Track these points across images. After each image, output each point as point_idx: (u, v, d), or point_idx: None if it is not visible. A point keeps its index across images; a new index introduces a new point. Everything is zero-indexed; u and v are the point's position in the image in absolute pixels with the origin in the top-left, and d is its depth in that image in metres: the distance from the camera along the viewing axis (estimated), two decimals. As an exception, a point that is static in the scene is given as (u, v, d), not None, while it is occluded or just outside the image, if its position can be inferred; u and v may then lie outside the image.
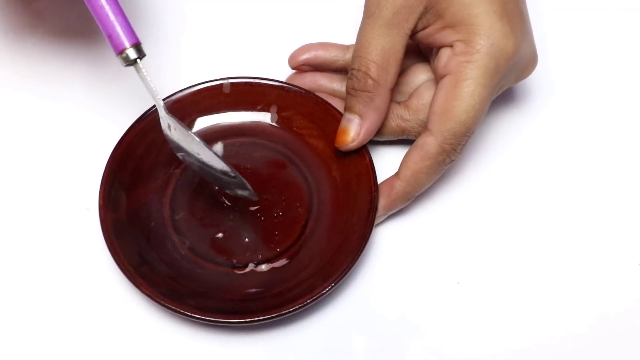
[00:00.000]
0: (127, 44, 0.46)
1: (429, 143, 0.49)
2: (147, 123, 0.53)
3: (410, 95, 0.53)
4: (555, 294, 0.50)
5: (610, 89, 0.58)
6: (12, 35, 0.60)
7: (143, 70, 0.47)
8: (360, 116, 0.50)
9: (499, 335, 0.49)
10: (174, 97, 0.54)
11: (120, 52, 0.46)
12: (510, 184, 0.54)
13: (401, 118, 0.52)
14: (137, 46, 0.46)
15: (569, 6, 0.61)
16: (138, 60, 0.46)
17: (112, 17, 0.46)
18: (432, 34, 0.50)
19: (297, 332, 0.49)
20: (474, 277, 0.51)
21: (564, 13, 0.60)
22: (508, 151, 0.55)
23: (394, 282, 0.50)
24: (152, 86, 0.47)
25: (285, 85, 0.55)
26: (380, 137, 0.53)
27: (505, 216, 0.53)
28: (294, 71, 0.56)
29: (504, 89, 0.52)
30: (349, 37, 0.55)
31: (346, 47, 0.55)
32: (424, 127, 0.51)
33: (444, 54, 0.50)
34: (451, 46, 0.49)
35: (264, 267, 0.50)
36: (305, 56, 0.56)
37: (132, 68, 0.47)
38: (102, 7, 0.46)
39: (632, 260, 0.51)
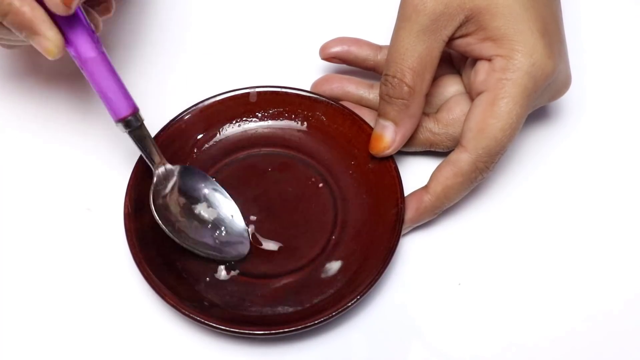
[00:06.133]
0: (123, 113, 0.47)
1: (463, 159, 0.49)
2: (172, 131, 0.52)
3: (440, 109, 0.53)
4: (556, 294, 0.50)
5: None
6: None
7: (146, 133, 0.48)
8: (395, 123, 0.50)
9: (499, 335, 0.49)
10: (199, 106, 0.53)
11: (119, 120, 0.47)
12: (519, 193, 0.54)
13: (430, 131, 0.52)
14: (135, 114, 0.48)
15: (604, 27, 0.61)
16: (130, 130, 0.48)
17: (107, 85, 0.47)
18: (471, 43, 0.49)
19: (320, 342, 0.48)
20: (475, 278, 0.51)
21: (598, 34, 0.61)
22: (525, 164, 0.55)
23: (395, 282, 0.50)
24: (153, 148, 0.49)
25: (312, 95, 0.54)
26: (407, 148, 0.53)
27: (506, 219, 0.53)
28: (320, 76, 0.56)
29: (536, 108, 0.52)
30: (377, 40, 0.55)
31: (379, 48, 0.55)
32: (455, 142, 0.51)
33: (482, 68, 0.49)
34: (490, 60, 0.49)
35: (289, 278, 0.49)
36: (337, 49, 0.55)
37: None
38: (97, 82, 0.47)
39: (632, 260, 0.52)
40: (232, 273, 0.49)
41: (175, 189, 0.50)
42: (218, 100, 0.54)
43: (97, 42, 0.47)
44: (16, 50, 0.57)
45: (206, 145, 0.54)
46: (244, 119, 0.55)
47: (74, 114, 0.56)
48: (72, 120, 0.56)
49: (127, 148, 0.52)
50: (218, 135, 0.54)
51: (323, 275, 0.49)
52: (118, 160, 0.53)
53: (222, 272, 0.49)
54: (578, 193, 0.54)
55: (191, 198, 0.51)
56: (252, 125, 0.55)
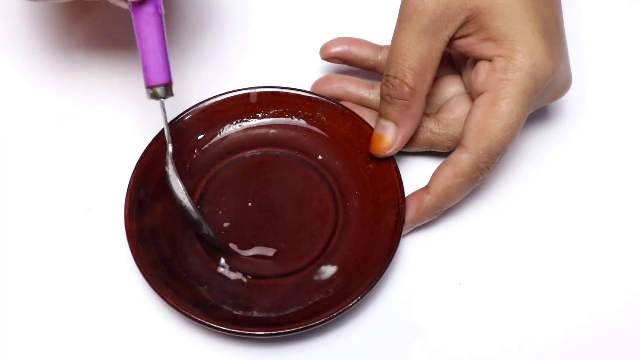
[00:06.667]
0: (159, 81, 0.47)
1: (464, 160, 0.49)
2: (173, 132, 0.52)
3: (440, 109, 0.53)
4: (556, 294, 0.50)
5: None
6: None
7: (163, 110, 0.48)
8: (396, 123, 0.50)
9: (499, 335, 0.49)
10: (200, 106, 0.53)
11: (150, 86, 0.47)
12: (519, 194, 0.54)
13: (431, 132, 0.52)
14: (167, 86, 0.47)
15: (605, 28, 0.61)
16: (162, 100, 0.47)
17: (153, 51, 0.46)
18: (471, 43, 0.49)
19: (319, 342, 0.48)
20: (476, 278, 0.51)
21: (599, 34, 0.61)
22: (526, 164, 0.55)
23: (395, 282, 0.50)
24: (167, 128, 0.49)
25: (312, 95, 0.54)
26: (408, 149, 0.53)
27: (507, 220, 0.53)
28: (321, 76, 0.56)
29: (537, 108, 0.52)
30: (377, 40, 0.55)
31: (379, 48, 0.55)
32: (456, 142, 0.51)
33: (482, 68, 0.49)
34: (490, 60, 0.49)
35: (289, 279, 0.49)
36: (337, 49, 0.55)
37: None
38: (146, 38, 0.46)
39: (632, 260, 0.52)
40: (233, 274, 0.49)
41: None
42: (218, 101, 0.54)
43: (158, 1, 0.46)
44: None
45: (206, 146, 0.54)
46: (245, 119, 0.55)
47: (74, 113, 0.56)
48: (72, 119, 0.56)
49: (128, 148, 0.52)
50: (218, 135, 0.54)
51: (316, 278, 0.49)
52: (118, 160, 0.53)
53: (221, 269, 0.50)
54: (579, 193, 0.54)
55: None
56: (253, 125, 0.55)
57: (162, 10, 0.46)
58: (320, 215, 0.52)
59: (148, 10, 0.46)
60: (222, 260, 0.50)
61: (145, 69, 0.47)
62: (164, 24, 0.47)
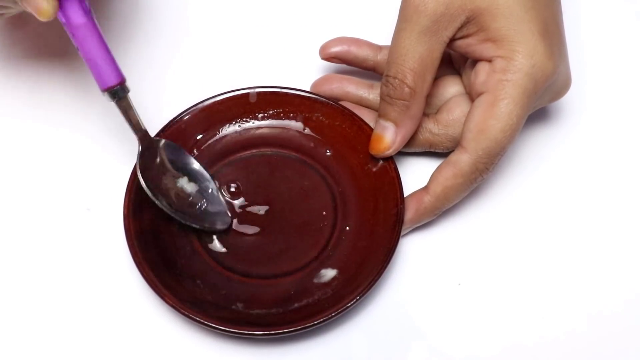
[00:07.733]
0: (107, 84, 0.47)
1: (463, 161, 0.49)
2: (171, 132, 0.53)
3: (440, 109, 0.53)
4: (555, 294, 0.50)
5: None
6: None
7: (120, 109, 0.48)
8: (396, 124, 0.50)
9: (499, 335, 0.49)
10: (199, 106, 0.53)
11: (106, 89, 0.48)
12: (519, 194, 0.54)
13: (430, 132, 0.52)
14: (122, 84, 0.48)
15: (604, 28, 0.61)
16: (117, 100, 0.48)
17: (90, 59, 0.47)
18: (471, 44, 0.49)
19: (319, 342, 0.48)
20: (475, 278, 0.51)
21: (598, 35, 0.61)
22: (525, 165, 0.55)
23: (395, 282, 0.50)
24: (138, 118, 0.49)
25: (312, 95, 0.54)
26: (407, 149, 0.53)
27: (506, 220, 0.53)
28: (320, 76, 0.56)
29: (536, 109, 0.52)
30: (377, 40, 0.55)
31: (378, 48, 0.55)
32: (455, 143, 0.51)
33: (482, 69, 0.49)
34: (490, 61, 0.49)
35: (288, 279, 0.49)
36: (337, 49, 0.55)
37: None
38: (78, 49, 0.47)
39: (632, 260, 0.52)
40: (230, 273, 0.50)
41: (157, 161, 0.50)
42: (218, 101, 0.53)
43: (87, 9, 0.46)
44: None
45: (205, 146, 0.54)
46: (244, 119, 0.55)
47: (75, 113, 0.56)
48: (72, 119, 0.56)
49: (128, 148, 0.52)
50: (218, 135, 0.54)
51: (316, 280, 0.49)
52: (118, 160, 0.53)
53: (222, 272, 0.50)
54: (578, 194, 0.54)
55: (172, 171, 0.51)
56: (252, 125, 0.55)
57: (90, 14, 0.46)
58: (319, 216, 0.52)
59: (80, 22, 0.46)
60: (227, 261, 0.50)
61: (95, 75, 0.47)
62: (97, 27, 0.47)
